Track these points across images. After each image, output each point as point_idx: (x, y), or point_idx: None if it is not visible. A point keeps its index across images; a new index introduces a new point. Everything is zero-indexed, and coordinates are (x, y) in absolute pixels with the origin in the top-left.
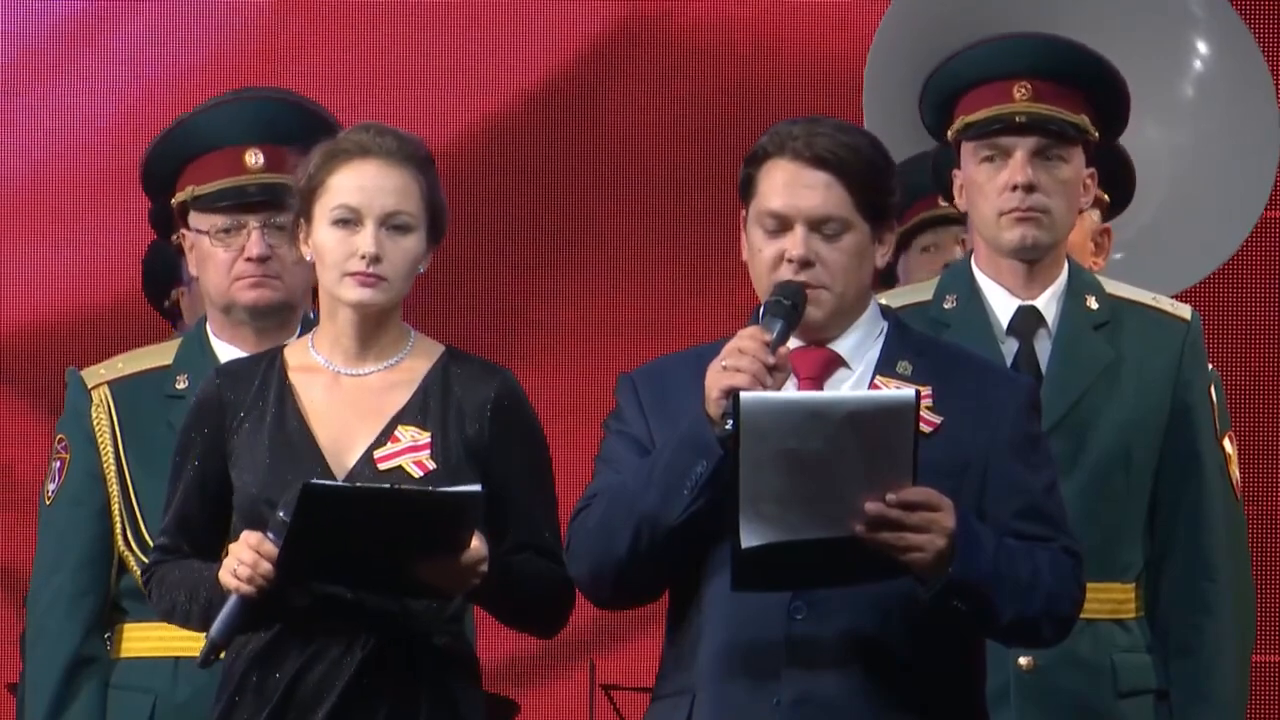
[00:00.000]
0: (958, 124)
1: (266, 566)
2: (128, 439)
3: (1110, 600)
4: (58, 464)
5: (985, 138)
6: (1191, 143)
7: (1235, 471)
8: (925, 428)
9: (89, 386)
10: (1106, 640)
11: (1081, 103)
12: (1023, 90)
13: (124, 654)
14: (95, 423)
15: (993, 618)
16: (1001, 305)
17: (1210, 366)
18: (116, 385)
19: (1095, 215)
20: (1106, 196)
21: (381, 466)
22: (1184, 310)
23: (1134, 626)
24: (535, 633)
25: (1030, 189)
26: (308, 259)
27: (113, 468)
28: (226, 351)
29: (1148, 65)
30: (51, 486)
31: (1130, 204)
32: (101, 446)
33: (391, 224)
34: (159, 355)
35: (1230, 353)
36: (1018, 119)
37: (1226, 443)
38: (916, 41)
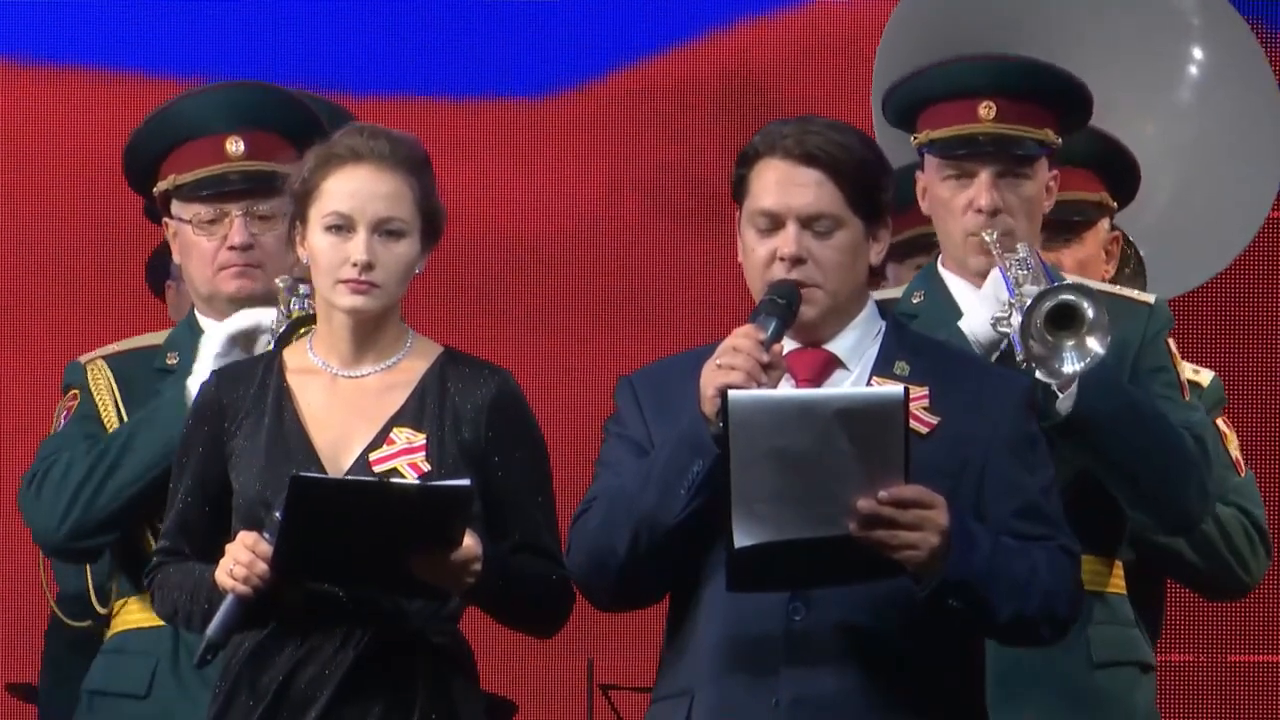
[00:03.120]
0: (922, 136)
1: (262, 566)
2: (125, 402)
3: (1088, 570)
4: (64, 413)
5: (949, 158)
6: (1195, 144)
7: (1234, 450)
8: (922, 428)
9: (84, 363)
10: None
11: (1045, 116)
12: (988, 109)
13: (124, 626)
14: (93, 382)
15: (989, 616)
16: (966, 298)
17: (1212, 373)
18: (111, 359)
19: (1105, 224)
20: (1115, 204)
21: (377, 469)
22: (1148, 297)
23: (1115, 601)
24: (533, 633)
25: (994, 213)
26: (304, 261)
27: (115, 423)
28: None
29: (1149, 66)
30: (61, 422)
31: (1134, 204)
32: (102, 404)
33: (384, 230)
34: (150, 338)
35: (1231, 352)
36: (981, 139)
37: (1222, 424)
38: (925, 42)
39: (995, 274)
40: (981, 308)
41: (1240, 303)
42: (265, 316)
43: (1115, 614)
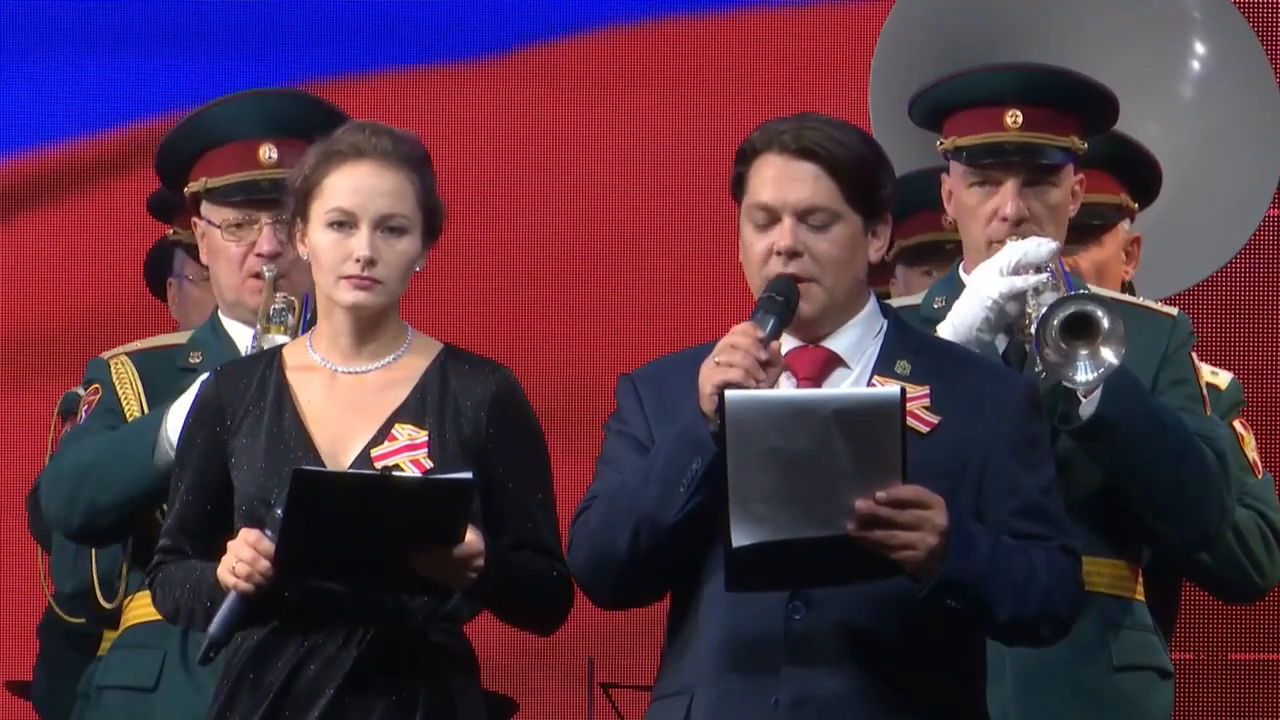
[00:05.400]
0: (948, 142)
1: (264, 564)
2: (148, 399)
3: (1110, 574)
4: (86, 407)
5: (975, 166)
6: (1194, 142)
7: (1250, 452)
8: (923, 427)
9: (106, 359)
10: (1104, 614)
11: (1071, 124)
12: (1014, 117)
13: (134, 620)
14: (116, 377)
15: (989, 616)
16: None
17: (1231, 375)
18: (134, 355)
19: (1124, 225)
20: (1135, 205)
21: (379, 465)
22: (1171, 310)
23: (1136, 607)
24: (533, 630)
25: (1019, 222)
26: (304, 258)
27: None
28: (239, 330)
29: (1150, 64)
30: (83, 415)
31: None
32: (125, 399)
33: (386, 226)
34: (172, 337)
35: (1232, 351)
36: (1007, 148)
37: (1239, 425)
38: (921, 45)
39: (973, 277)
40: (966, 308)
41: (1240, 301)
42: None
43: (1138, 620)
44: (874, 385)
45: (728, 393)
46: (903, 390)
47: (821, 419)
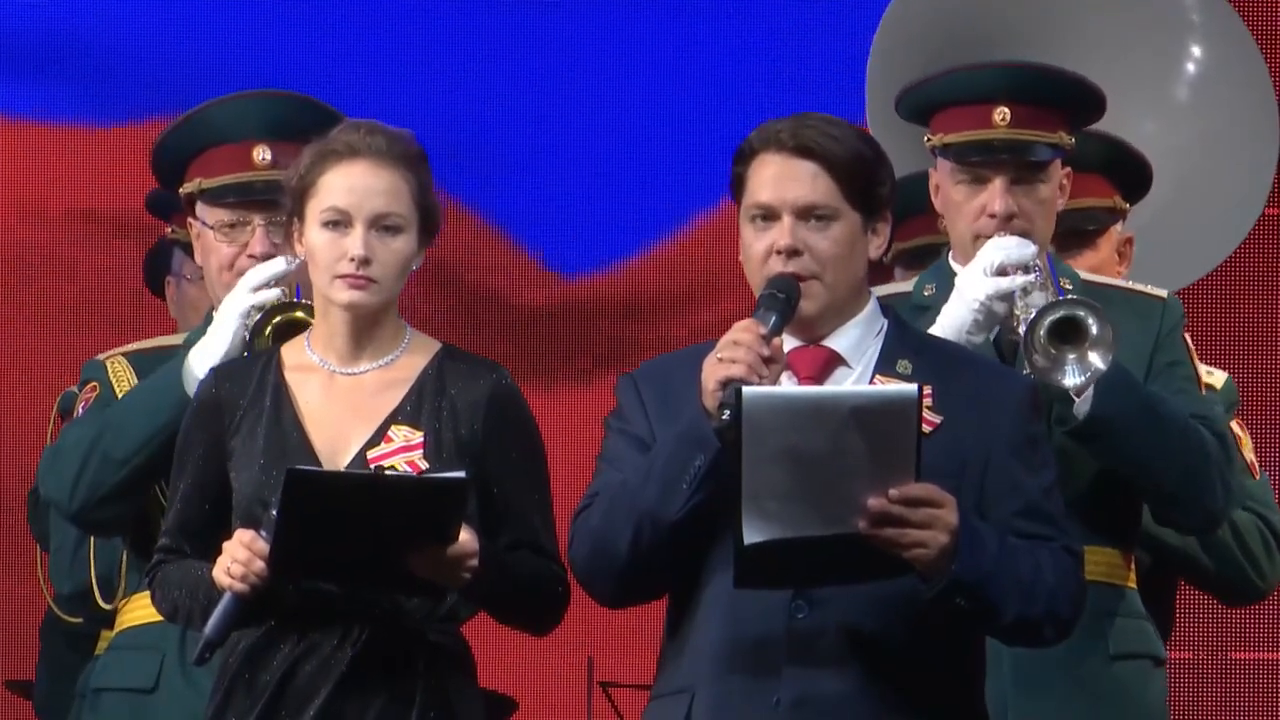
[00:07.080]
0: (935, 139)
1: (259, 564)
2: None
3: (1105, 563)
4: (83, 403)
5: (963, 164)
6: (1191, 142)
7: (1248, 453)
8: (925, 427)
9: (103, 360)
10: (1099, 603)
11: (1058, 119)
12: (1002, 114)
13: (131, 621)
14: (113, 375)
15: (995, 616)
16: None
17: (1226, 374)
18: (131, 356)
19: (1118, 227)
20: (1128, 205)
21: (373, 467)
22: (1161, 292)
23: (1129, 595)
24: (528, 630)
25: (1009, 218)
26: (300, 258)
27: None
28: None
29: (1148, 65)
30: (80, 411)
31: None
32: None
33: (381, 225)
34: (170, 339)
35: (1229, 350)
36: (996, 145)
37: (1236, 426)
38: (918, 45)
39: (963, 276)
40: (954, 311)
41: (1237, 299)
42: (271, 269)
43: (1131, 608)
44: (875, 384)
45: (745, 389)
46: (920, 389)
47: (838, 416)
